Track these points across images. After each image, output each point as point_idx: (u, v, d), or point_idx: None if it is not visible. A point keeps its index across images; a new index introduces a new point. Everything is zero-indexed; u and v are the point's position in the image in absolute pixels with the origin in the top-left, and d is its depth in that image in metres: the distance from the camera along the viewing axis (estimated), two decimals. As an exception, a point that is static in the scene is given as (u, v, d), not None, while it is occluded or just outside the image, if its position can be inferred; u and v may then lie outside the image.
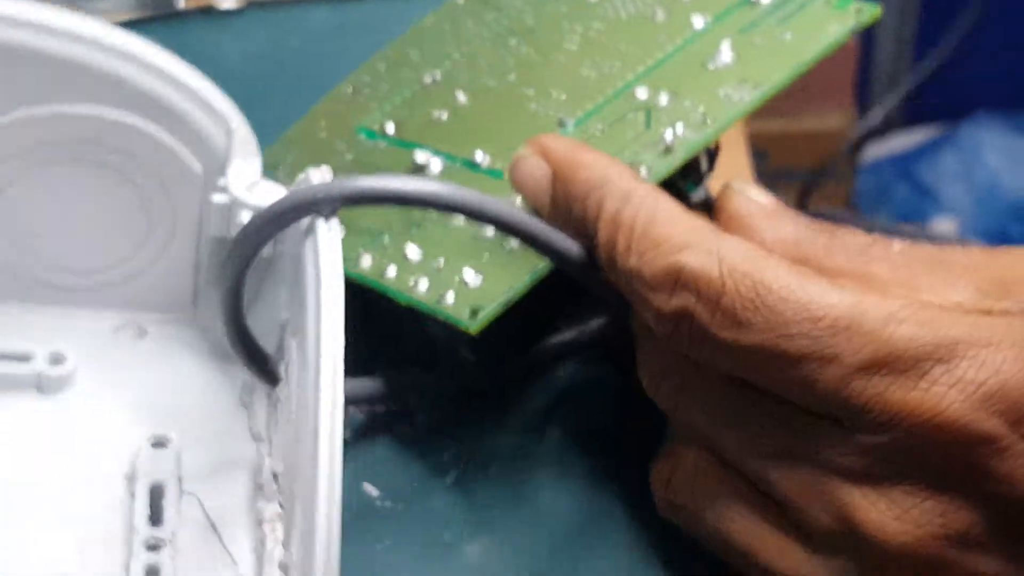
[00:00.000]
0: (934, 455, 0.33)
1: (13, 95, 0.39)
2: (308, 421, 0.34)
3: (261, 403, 0.41)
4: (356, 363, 0.41)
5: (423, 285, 0.41)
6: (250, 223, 0.37)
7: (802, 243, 0.38)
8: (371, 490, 0.40)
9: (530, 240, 0.39)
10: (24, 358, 0.41)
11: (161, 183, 0.41)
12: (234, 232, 0.39)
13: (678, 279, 0.35)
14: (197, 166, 0.40)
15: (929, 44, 1.42)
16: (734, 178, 0.40)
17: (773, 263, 0.35)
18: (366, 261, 0.42)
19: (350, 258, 0.42)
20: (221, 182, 0.40)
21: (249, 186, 0.39)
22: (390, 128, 0.47)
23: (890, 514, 0.34)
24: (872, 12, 0.41)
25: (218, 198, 0.40)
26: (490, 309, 0.39)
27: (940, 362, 0.33)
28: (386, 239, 0.42)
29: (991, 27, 1.41)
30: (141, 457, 0.39)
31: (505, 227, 0.39)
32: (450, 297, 0.40)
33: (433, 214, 0.42)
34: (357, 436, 0.42)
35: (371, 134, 0.47)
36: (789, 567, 0.36)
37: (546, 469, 0.41)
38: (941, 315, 0.34)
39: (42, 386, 0.41)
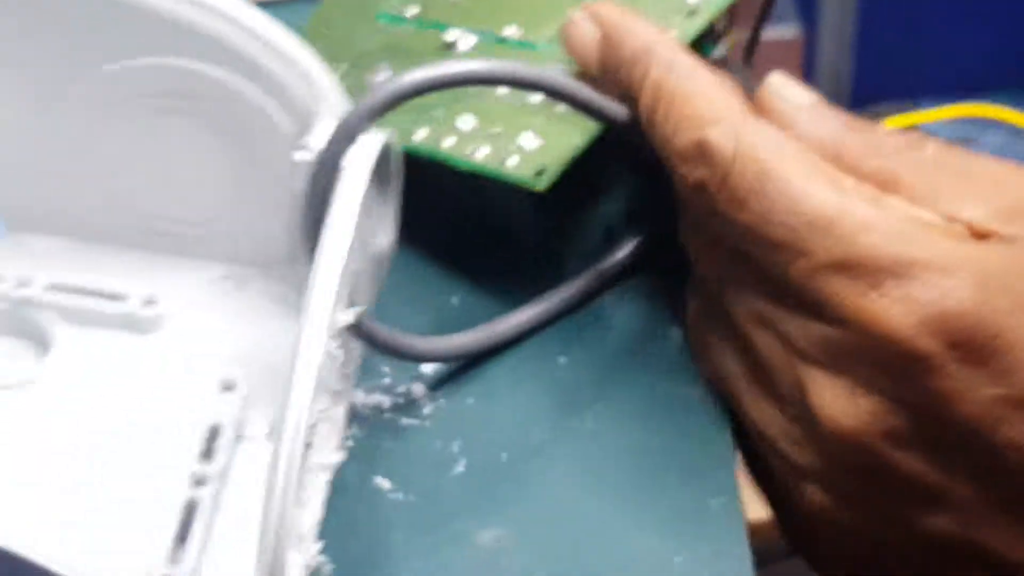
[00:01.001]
0: (875, 359, 0.35)
1: (119, 46, 0.41)
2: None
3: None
4: (415, 238, 0.44)
5: (483, 151, 0.42)
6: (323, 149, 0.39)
7: (838, 142, 0.39)
8: (383, 483, 0.41)
9: (582, 106, 0.41)
10: (119, 298, 0.43)
11: (254, 140, 0.42)
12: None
13: (702, 152, 0.38)
14: (288, 126, 0.42)
15: (871, 33, 1.42)
16: (774, 72, 0.41)
17: (784, 153, 0.37)
18: (422, 134, 0.43)
19: (405, 133, 0.43)
20: (306, 140, 0.41)
21: (332, 145, 0.40)
22: (413, 11, 0.47)
23: (833, 400, 0.36)
24: None
25: (300, 155, 0.41)
26: (555, 168, 0.41)
27: (894, 276, 0.34)
28: (439, 112, 0.43)
29: (933, 13, 1.42)
30: (208, 399, 0.41)
31: (558, 94, 0.40)
32: (513, 160, 0.41)
33: (479, 88, 0.43)
34: (366, 431, 0.42)
35: (394, 19, 0.48)
36: (760, 417, 0.39)
37: (558, 458, 0.41)
38: (914, 232, 0.35)
39: (132, 325, 0.43)
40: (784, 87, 0.40)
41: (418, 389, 0.43)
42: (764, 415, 0.39)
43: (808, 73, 1.51)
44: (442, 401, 0.43)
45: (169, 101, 0.42)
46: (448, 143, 0.43)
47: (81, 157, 0.43)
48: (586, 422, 0.42)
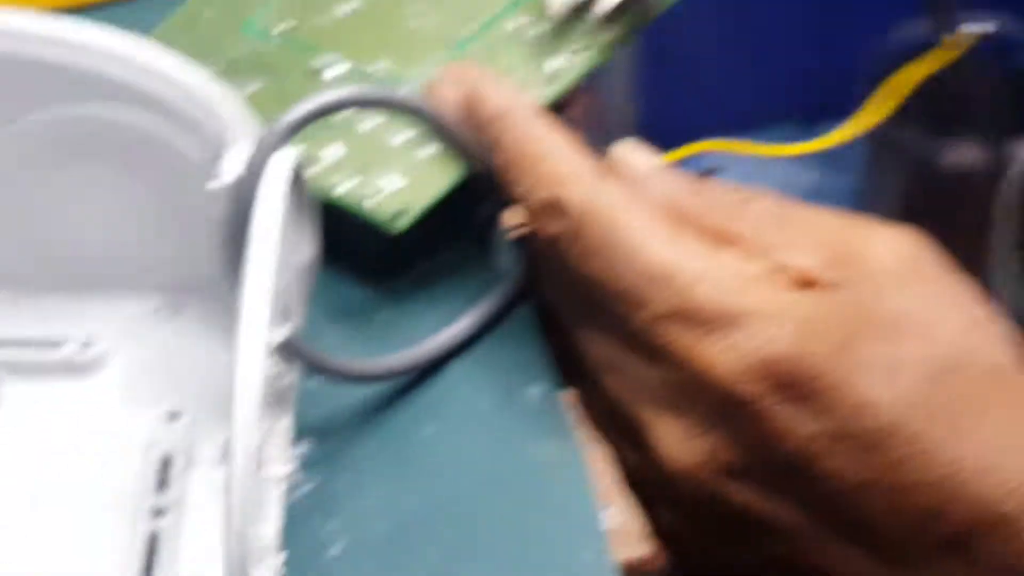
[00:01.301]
0: (709, 402, 0.38)
1: (25, 100, 0.42)
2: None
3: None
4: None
5: (345, 186, 0.44)
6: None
7: (680, 203, 0.41)
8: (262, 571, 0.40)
9: (460, 146, 0.44)
10: (58, 343, 0.44)
11: (170, 173, 0.43)
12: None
13: (555, 209, 0.41)
14: (200, 155, 0.43)
15: (651, 77, 1.49)
16: (621, 142, 0.43)
17: (629, 210, 0.40)
18: None
19: None
20: (219, 167, 0.42)
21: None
22: (282, 27, 0.48)
23: (673, 440, 0.39)
24: None
25: (215, 183, 0.42)
26: (411, 214, 0.44)
27: (725, 326, 0.38)
28: (305, 143, 0.45)
29: (707, 57, 1.48)
30: (157, 430, 0.42)
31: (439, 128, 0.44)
32: (372, 200, 0.44)
33: (346, 124, 0.45)
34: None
35: (260, 34, 0.49)
36: (617, 453, 0.43)
37: (431, 531, 0.42)
38: (743, 284, 0.38)
39: (74, 370, 0.44)
40: (629, 153, 0.43)
41: (293, 470, 0.43)
42: (619, 451, 0.42)
43: (593, 116, 1.55)
44: (318, 479, 0.43)
45: (81, 146, 0.43)
46: (312, 171, 0.44)
47: (2, 210, 0.44)
48: (456, 491, 0.43)
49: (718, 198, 0.41)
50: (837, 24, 1.49)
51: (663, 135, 1.54)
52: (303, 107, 0.41)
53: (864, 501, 0.37)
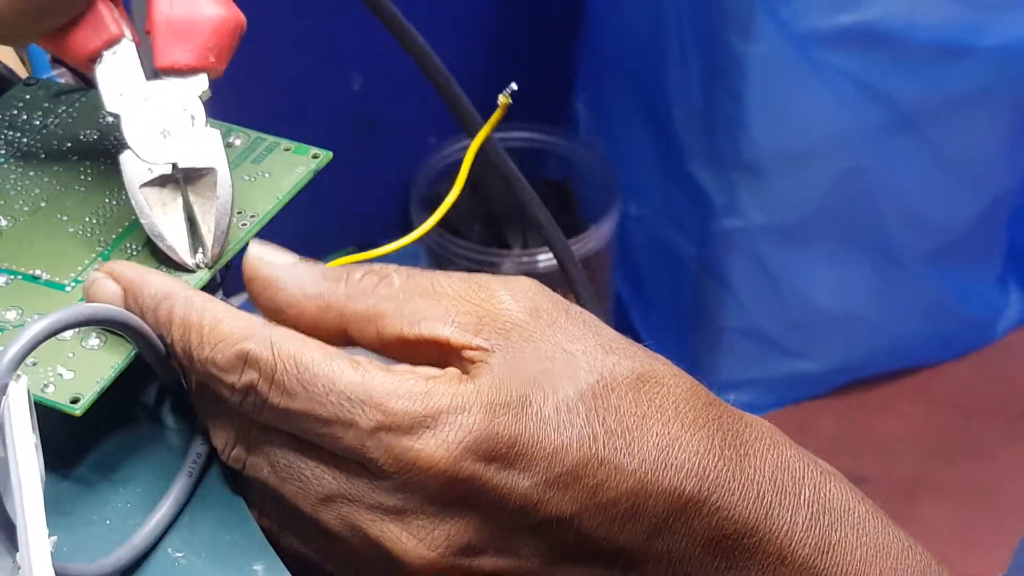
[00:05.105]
0: (436, 492, 0.44)
1: None
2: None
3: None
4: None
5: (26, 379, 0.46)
6: None
7: (322, 292, 0.47)
8: None
9: (137, 336, 0.47)
10: None
11: None
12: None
13: (245, 361, 0.45)
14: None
15: None
16: (252, 242, 0.48)
17: (310, 347, 0.45)
18: None
19: None
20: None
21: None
22: None
23: (411, 540, 0.44)
24: (327, 156, 0.53)
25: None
26: (88, 397, 0.47)
27: (429, 428, 0.44)
28: None
29: None
30: None
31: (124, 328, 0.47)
32: (51, 389, 0.47)
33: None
34: None
35: None
36: None
37: None
38: (427, 387, 0.44)
39: None
40: (263, 251, 0.48)
41: None
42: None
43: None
44: None
45: None
46: None
47: None
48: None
49: (356, 283, 0.46)
50: (376, 153, 1.56)
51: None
52: (25, 337, 0.43)
53: (582, 527, 0.44)
